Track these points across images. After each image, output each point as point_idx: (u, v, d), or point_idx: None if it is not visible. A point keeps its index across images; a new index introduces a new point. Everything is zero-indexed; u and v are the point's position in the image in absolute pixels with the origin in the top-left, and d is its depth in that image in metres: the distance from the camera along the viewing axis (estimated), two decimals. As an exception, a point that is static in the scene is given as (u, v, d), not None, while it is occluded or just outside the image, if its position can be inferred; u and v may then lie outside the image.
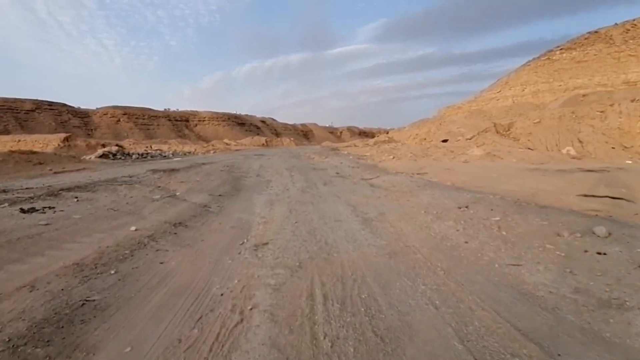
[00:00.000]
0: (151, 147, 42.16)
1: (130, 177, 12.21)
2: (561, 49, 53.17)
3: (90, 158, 20.54)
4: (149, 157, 23.52)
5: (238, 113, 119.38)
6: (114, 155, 22.26)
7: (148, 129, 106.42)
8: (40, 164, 15.59)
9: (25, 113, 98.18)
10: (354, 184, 11.33)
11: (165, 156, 26.13)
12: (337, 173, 14.24)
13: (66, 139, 40.66)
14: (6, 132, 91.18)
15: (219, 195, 9.66)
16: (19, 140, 40.13)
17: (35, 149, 39.90)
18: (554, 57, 53.70)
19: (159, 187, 10.63)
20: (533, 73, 53.35)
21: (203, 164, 17.59)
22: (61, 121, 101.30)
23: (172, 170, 14.30)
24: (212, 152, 36.03)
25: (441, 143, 28.82)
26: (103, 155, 21.69)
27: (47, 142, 41.02)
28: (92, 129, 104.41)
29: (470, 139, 25.33)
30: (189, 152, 32.28)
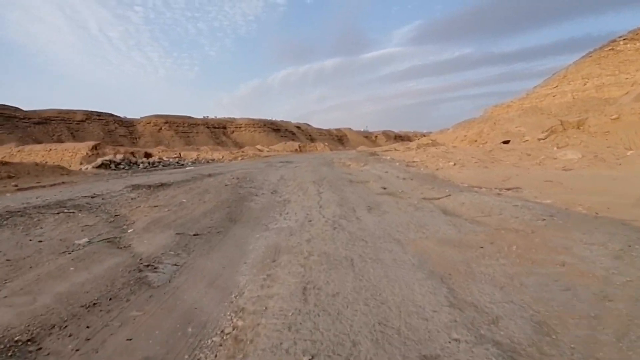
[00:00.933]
0: (180, 155, 39.21)
1: (94, 197, 8.37)
2: (625, 39, 46.01)
3: (87, 168, 17.43)
4: (160, 166, 20.18)
5: (273, 119, 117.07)
6: (117, 164, 19.09)
7: (188, 137, 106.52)
8: (10, 177, 12.24)
9: (76, 123, 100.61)
10: (416, 208, 6.86)
11: (181, 164, 22.70)
12: (385, 189, 9.77)
13: (94, 147, 38.20)
14: (59, 141, 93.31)
15: (195, 234, 5.51)
16: (50, 150, 38.05)
17: (37, 160, 37.52)
18: (617, 48, 46.45)
19: (116, 216, 6.67)
20: (596, 65, 46.31)
21: (209, 175, 13.71)
22: (108, 130, 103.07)
23: (161, 185, 10.44)
24: (240, 158, 32.45)
25: (502, 145, 23.65)
26: (103, 165, 18.50)
27: (76, 150, 38.83)
28: (136, 138, 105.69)
29: (544, 139, 20.17)
30: (213, 160, 28.83)
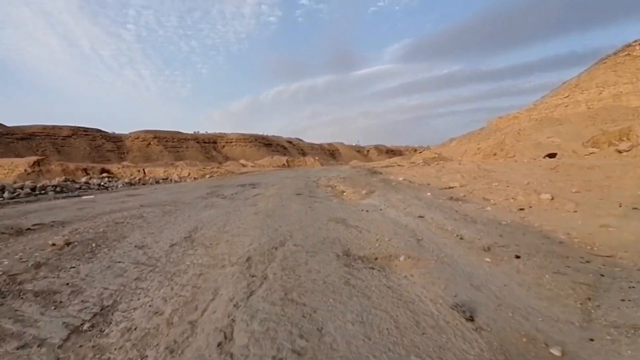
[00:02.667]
0: (144, 172, 31.14)
1: None
2: (640, 45, 39.62)
3: None
4: (75, 191, 12.41)
5: (265, 134, 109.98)
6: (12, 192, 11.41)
7: (177, 151, 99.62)
8: None
9: (62, 139, 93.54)
10: None
11: (105, 187, 14.98)
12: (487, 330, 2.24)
13: (36, 163, 29.96)
14: (44, 157, 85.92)
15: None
16: None
17: (-3, 177, 29.82)
18: (634, 53, 39.73)
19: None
20: (611, 72, 39.47)
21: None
22: (95, 146, 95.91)
23: None
24: (207, 176, 24.74)
25: (548, 159, 16.41)
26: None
27: (13, 167, 30.53)
28: (124, 153, 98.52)
29: (627, 151, 13.11)
30: (166, 179, 21.05)
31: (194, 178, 24.54)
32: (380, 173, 16.93)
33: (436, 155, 29.40)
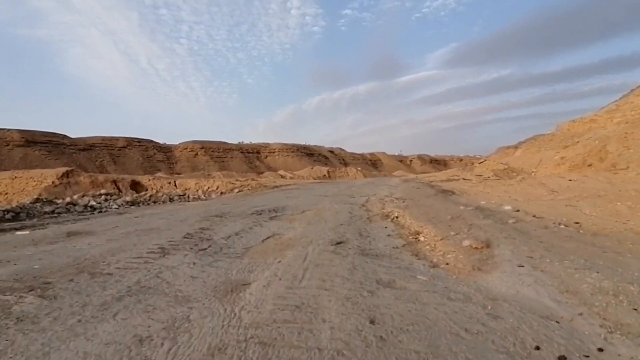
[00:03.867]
0: (175, 183, 28.00)
1: None
2: None
3: None
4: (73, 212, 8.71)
5: (307, 144, 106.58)
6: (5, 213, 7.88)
7: (223, 162, 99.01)
8: None
9: (118, 150, 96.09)
10: None
11: (93, 209, 11.11)
12: None
13: (65, 175, 27.48)
14: (102, 167, 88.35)
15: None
16: (15, 178, 27.83)
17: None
18: None
19: None
20: None
21: None
22: (147, 156, 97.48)
23: None
24: (236, 190, 20.72)
25: None
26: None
27: (42, 178, 28.35)
28: (173, 163, 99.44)
29: None
30: (183, 195, 17.07)
31: (221, 193, 20.54)
32: (453, 192, 11.76)
33: (506, 167, 23.41)
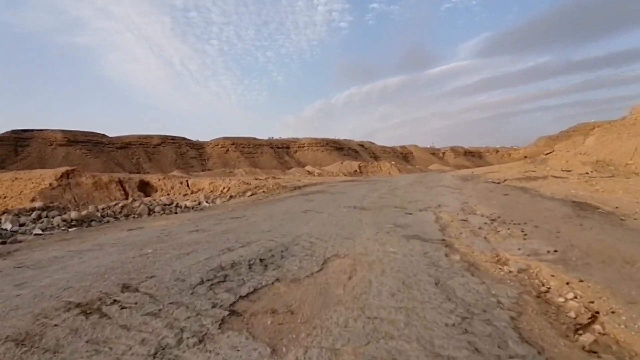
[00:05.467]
0: (187, 183, 23.92)
1: None
2: None
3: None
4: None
5: (336, 138, 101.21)
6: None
7: (253, 157, 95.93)
8: None
9: (153, 147, 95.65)
10: None
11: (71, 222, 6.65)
12: None
13: (65, 175, 23.67)
14: (138, 164, 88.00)
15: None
16: (15, 179, 24.28)
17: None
18: None
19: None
20: None
21: None
22: (181, 153, 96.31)
23: None
24: (249, 194, 15.93)
25: None
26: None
27: (41, 179, 24.70)
28: (205, 159, 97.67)
29: None
30: (170, 205, 12.38)
31: (230, 197, 15.82)
32: (597, 207, 6.27)
33: (595, 161, 17.05)
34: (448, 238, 4.96)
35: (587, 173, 13.34)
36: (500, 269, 3.58)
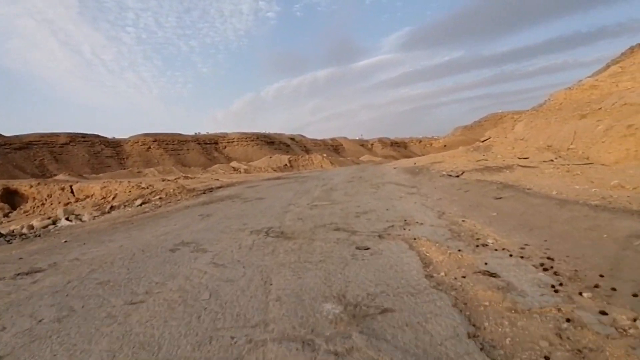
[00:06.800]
0: (71, 189, 17.98)
1: None
2: None
3: None
4: None
5: (267, 132, 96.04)
6: None
7: (178, 154, 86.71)
8: None
9: (60, 147, 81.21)
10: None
11: None
12: None
13: None
14: (42, 166, 73.44)
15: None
16: None
17: None
18: None
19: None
20: None
21: None
22: (94, 152, 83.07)
23: None
24: (137, 202, 11.00)
25: None
26: None
27: None
28: (123, 158, 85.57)
29: None
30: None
31: (111, 208, 10.90)
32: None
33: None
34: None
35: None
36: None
